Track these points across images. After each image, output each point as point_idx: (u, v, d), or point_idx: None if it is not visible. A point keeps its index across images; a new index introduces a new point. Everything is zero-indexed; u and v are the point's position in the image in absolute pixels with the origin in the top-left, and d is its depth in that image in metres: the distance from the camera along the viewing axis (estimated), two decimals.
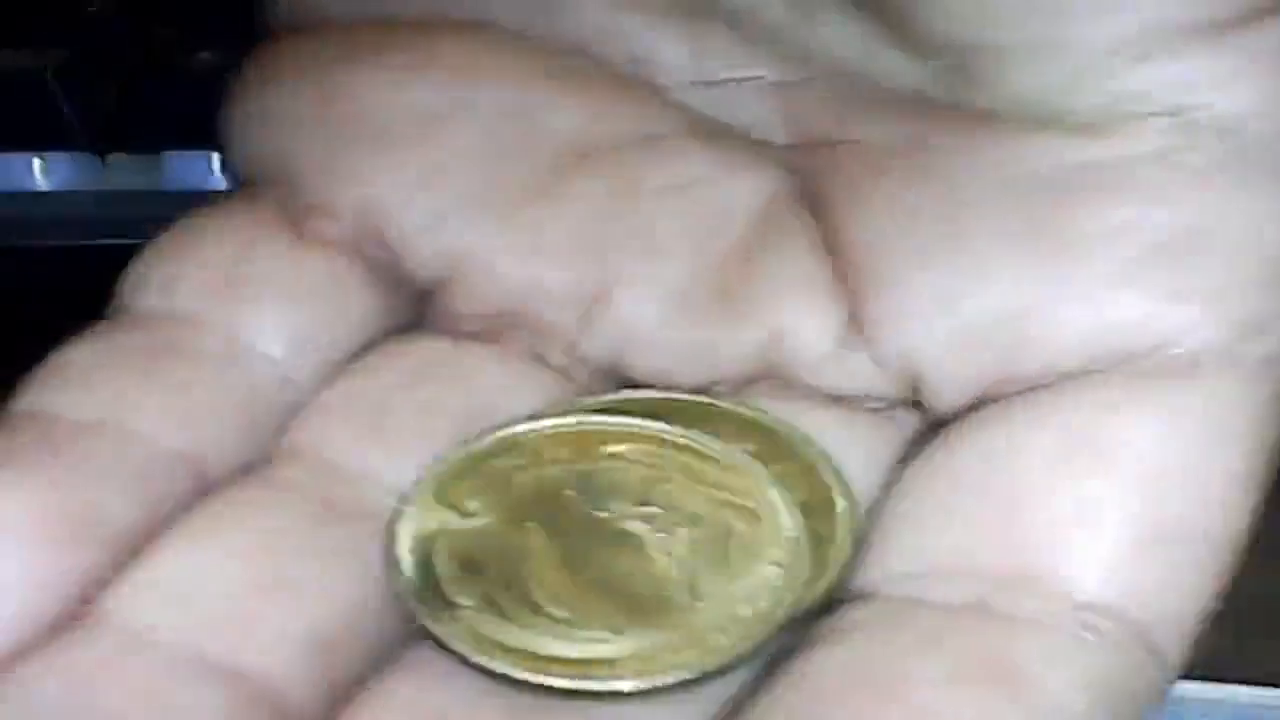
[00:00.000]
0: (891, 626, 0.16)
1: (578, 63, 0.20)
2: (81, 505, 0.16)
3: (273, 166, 0.20)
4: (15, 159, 0.36)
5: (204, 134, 0.37)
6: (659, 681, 0.15)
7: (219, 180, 0.36)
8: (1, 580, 0.15)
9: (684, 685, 0.15)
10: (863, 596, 0.16)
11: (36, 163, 0.36)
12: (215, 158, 0.36)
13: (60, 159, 0.36)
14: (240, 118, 0.20)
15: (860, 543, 0.17)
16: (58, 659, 0.15)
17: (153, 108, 0.36)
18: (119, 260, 0.36)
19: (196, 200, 0.36)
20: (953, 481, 0.17)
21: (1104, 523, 0.16)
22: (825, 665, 0.15)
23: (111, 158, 0.36)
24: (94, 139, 0.36)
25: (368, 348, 0.19)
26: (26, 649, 0.15)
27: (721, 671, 0.15)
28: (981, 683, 0.15)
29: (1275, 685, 0.27)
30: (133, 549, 0.16)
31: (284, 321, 0.18)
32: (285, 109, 0.20)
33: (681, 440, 0.17)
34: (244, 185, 0.20)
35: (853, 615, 0.16)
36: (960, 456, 0.17)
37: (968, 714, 0.14)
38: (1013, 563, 0.16)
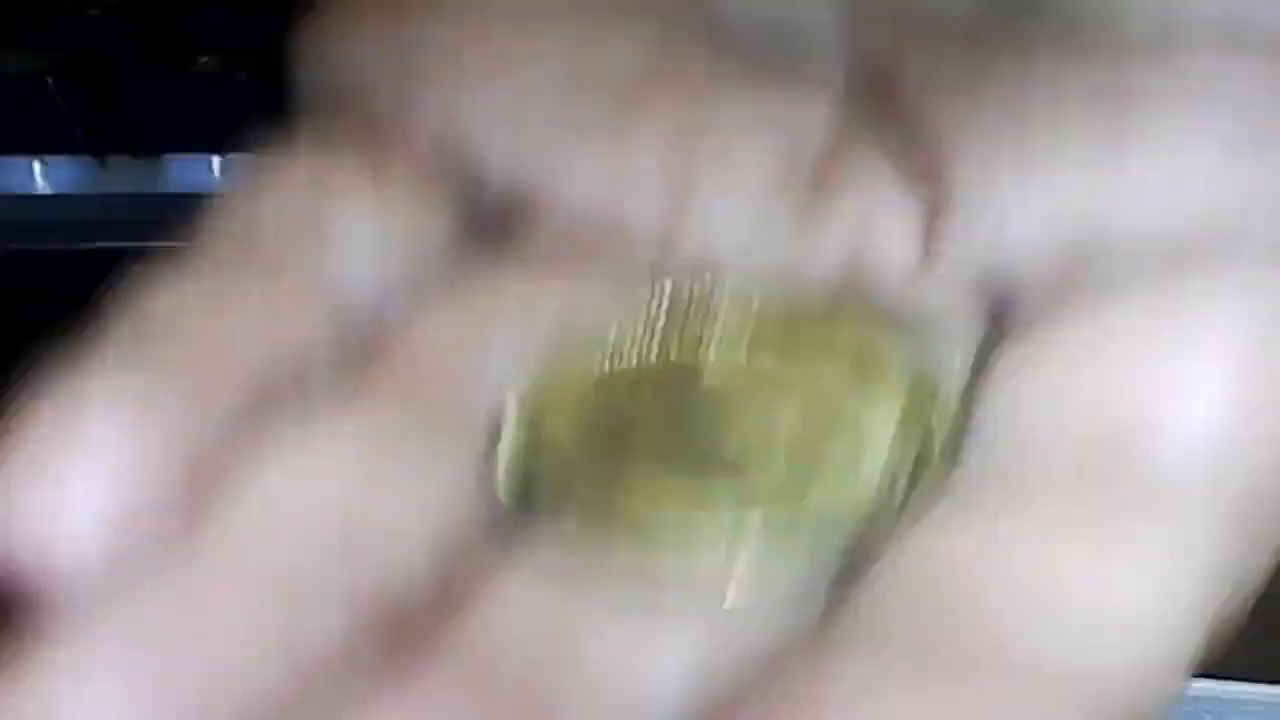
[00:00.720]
0: (993, 506, 0.16)
1: None
2: (184, 416, 0.16)
3: (348, 98, 0.20)
4: (15, 162, 0.36)
5: (204, 137, 0.37)
6: (771, 571, 0.15)
7: (219, 183, 0.36)
8: (105, 477, 0.15)
9: (798, 574, 0.15)
10: (960, 480, 0.16)
11: (37, 166, 0.36)
12: (215, 160, 0.36)
13: (60, 162, 0.36)
14: (314, 51, 0.20)
15: (956, 437, 0.17)
16: (171, 575, 0.15)
17: (153, 111, 0.36)
18: (119, 263, 0.36)
19: (196, 203, 0.36)
20: (1039, 372, 0.17)
21: (1195, 400, 0.16)
22: (930, 550, 0.15)
23: (112, 161, 0.36)
24: (94, 142, 0.36)
25: (453, 276, 0.19)
26: (139, 562, 0.15)
27: (837, 559, 0.15)
28: (1086, 557, 0.15)
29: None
30: (241, 459, 0.16)
31: (370, 254, 0.18)
32: (357, 39, 0.20)
33: (772, 354, 0.17)
34: (317, 117, 0.20)
35: (952, 499, 0.16)
36: (1045, 350, 0.17)
37: (1075, 590, 0.14)
38: (1106, 444, 0.16)
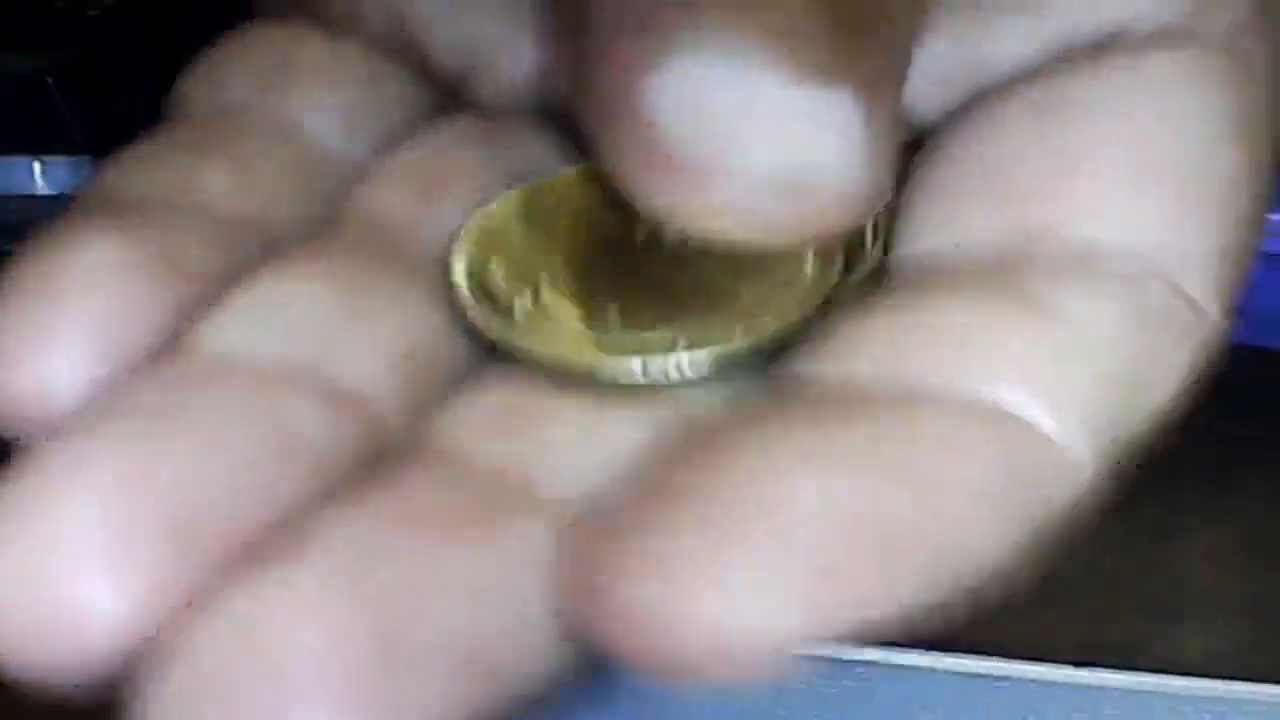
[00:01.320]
0: (925, 288, 0.16)
1: None
2: (159, 250, 0.16)
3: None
4: (15, 162, 0.36)
5: None
6: (719, 361, 0.16)
7: None
8: (90, 316, 0.15)
9: (741, 363, 0.16)
10: (891, 272, 0.17)
11: (36, 166, 0.36)
12: None
13: (60, 162, 0.36)
14: None
15: (868, 252, 0.17)
16: (150, 377, 0.15)
17: (153, 111, 0.36)
18: None
19: None
20: (949, 170, 0.17)
21: (1097, 170, 0.16)
22: (870, 321, 0.16)
23: None
24: (94, 143, 0.36)
25: (412, 127, 0.20)
26: (119, 377, 0.15)
27: (774, 345, 0.16)
28: (1018, 312, 0.15)
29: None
30: (217, 290, 0.16)
31: (331, 103, 0.19)
32: None
33: None
34: (268, 9, 0.21)
35: (889, 287, 0.16)
36: (953, 149, 0.17)
37: (1003, 339, 0.15)
38: (1023, 224, 0.16)
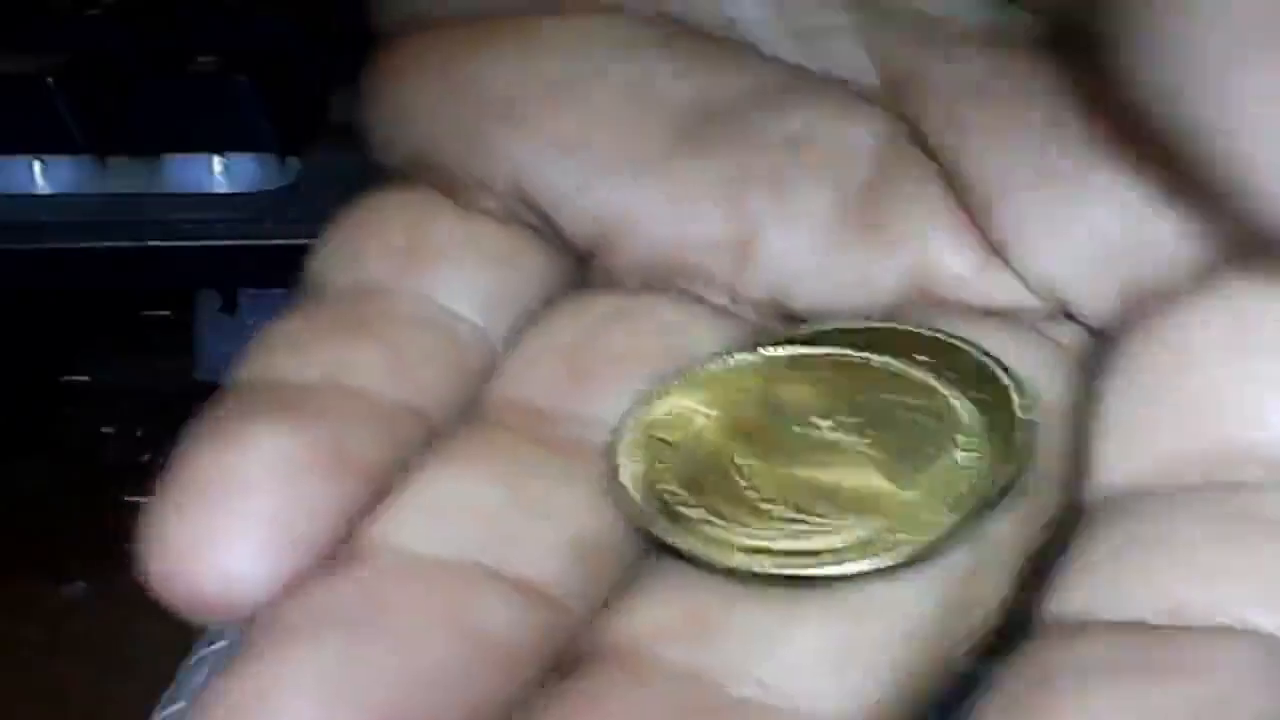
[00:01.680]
0: (1148, 514, 0.16)
1: (678, 29, 0.21)
2: (328, 445, 0.17)
3: (419, 158, 0.21)
4: (15, 162, 0.36)
5: (203, 137, 0.37)
6: (886, 561, 0.16)
7: (218, 182, 0.36)
8: (269, 512, 0.16)
9: (908, 563, 0.16)
10: (1088, 494, 0.17)
11: (37, 166, 0.36)
12: (214, 160, 0.36)
13: (60, 162, 0.36)
14: (377, 121, 0.21)
15: (1035, 429, 0.18)
16: (347, 581, 0.16)
17: (152, 111, 0.36)
18: (119, 262, 0.36)
19: (195, 203, 0.36)
20: (1136, 388, 0.17)
21: None
22: (1109, 551, 0.16)
23: (111, 161, 0.36)
24: (94, 142, 0.36)
25: (549, 304, 0.20)
26: (309, 577, 0.16)
27: (939, 547, 0.17)
28: (1258, 535, 0.15)
29: None
30: (383, 482, 0.17)
31: (469, 282, 0.20)
32: (416, 104, 0.21)
33: (857, 360, 0.19)
34: (395, 176, 0.21)
35: (1094, 511, 0.17)
36: (1135, 366, 0.17)
37: (1255, 565, 0.15)
38: (1223, 445, 0.16)
